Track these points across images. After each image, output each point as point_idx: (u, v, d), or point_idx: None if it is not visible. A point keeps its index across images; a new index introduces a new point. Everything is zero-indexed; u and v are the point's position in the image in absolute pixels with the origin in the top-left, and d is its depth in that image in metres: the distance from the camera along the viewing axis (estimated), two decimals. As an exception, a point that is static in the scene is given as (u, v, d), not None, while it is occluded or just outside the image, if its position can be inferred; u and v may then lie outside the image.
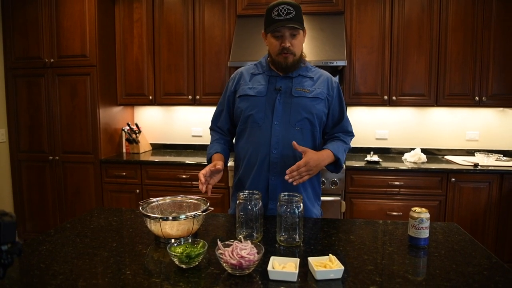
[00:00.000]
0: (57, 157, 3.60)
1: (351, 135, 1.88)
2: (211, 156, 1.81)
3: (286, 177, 1.54)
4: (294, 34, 1.65)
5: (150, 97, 3.73)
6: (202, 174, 1.59)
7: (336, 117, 1.83)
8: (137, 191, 3.47)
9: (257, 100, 1.74)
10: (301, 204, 1.37)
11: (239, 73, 1.86)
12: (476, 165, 3.13)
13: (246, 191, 1.44)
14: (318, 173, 1.81)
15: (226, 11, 3.54)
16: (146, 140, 4.07)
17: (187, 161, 3.38)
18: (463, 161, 3.29)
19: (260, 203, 1.41)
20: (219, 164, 1.63)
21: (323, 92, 1.76)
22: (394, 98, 3.40)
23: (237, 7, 3.50)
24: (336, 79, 1.87)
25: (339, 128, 1.84)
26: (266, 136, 1.71)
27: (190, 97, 3.67)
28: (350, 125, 1.87)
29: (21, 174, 3.71)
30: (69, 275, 1.14)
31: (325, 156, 1.69)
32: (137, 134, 3.88)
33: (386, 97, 3.41)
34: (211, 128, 1.98)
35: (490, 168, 3.08)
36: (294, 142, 1.59)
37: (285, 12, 1.61)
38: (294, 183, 1.55)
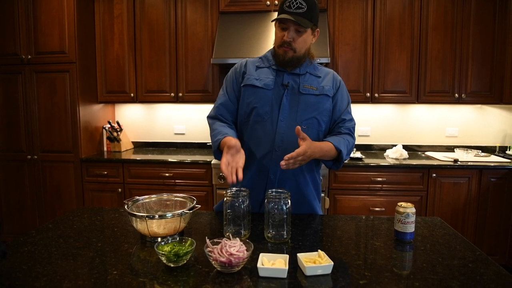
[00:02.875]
0: (35, 156, 3.51)
1: (352, 135, 1.75)
2: (220, 142, 1.60)
3: (283, 163, 1.43)
4: (299, 30, 1.58)
5: (132, 95, 3.68)
6: (223, 164, 1.44)
7: (339, 114, 1.73)
8: (119, 190, 3.41)
9: (263, 93, 1.66)
10: (289, 201, 1.37)
11: (244, 63, 1.76)
12: (456, 160, 3.19)
13: (234, 188, 1.43)
14: (319, 168, 1.81)
15: (209, 8, 3.51)
16: (127, 138, 4.00)
17: (170, 159, 3.35)
18: (443, 157, 3.36)
19: (248, 200, 1.40)
20: (232, 141, 1.48)
21: (330, 89, 1.70)
22: (376, 95, 3.44)
23: (220, 4, 3.47)
24: (340, 77, 1.81)
25: (341, 125, 1.72)
26: (269, 132, 1.64)
27: (172, 94, 3.63)
28: (353, 125, 1.76)
29: (-3, 174, 3.61)
30: (53, 276, 1.11)
31: (325, 148, 1.59)
32: (119, 132, 3.81)
33: (368, 94, 3.44)
34: (211, 117, 1.78)
35: (469, 163, 3.14)
36: (298, 127, 1.47)
37: (295, 6, 1.54)
38: (283, 167, 1.44)
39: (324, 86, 1.70)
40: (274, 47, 1.70)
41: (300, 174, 1.69)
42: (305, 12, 1.55)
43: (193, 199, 1.52)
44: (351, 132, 1.73)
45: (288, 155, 1.43)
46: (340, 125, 1.72)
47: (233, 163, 1.46)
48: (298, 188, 1.70)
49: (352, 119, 1.76)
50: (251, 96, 1.68)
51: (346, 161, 3.21)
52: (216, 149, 1.65)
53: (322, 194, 3.07)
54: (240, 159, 1.48)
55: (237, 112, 1.75)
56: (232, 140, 1.51)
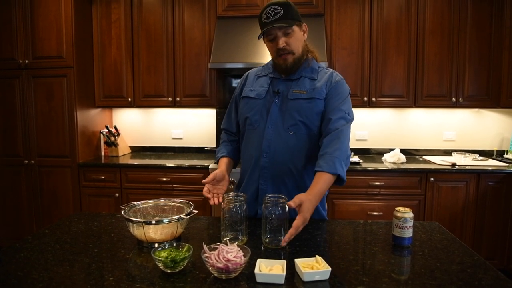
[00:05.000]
0: (32, 161, 3.50)
1: (342, 135, 1.58)
2: (218, 160, 1.81)
3: (284, 244, 1.32)
4: (287, 32, 1.58)
5: (129, 99, 3.67)
6: (204, 192, 1.58)
7: (328, 112, 1.62)
8: (117, 195, 3.40)
9: (255, 103, 1.71)
10: (286, 206, 1.36)
11: (246, 75, 1.85)
12: (453, 164, 3.19)
13: (231, 194, 1.43)
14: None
15: (206, 12, 3.51)
16: (125, 143, 4.00)
17: (167, 164, 3.34)
18: (441, 161, 3.36)
19: (245, 206, 1.40)
20: (212, 175, 1.60)
21: (321, 91, 1.63)
22: (373, 99, 3.44)
23: (217, 8, 3.48)
24: (340, 76, 1.71)
25: (329, 127, 1.59)
26: (259, 139, 1.67)
27: (170, 99, 3.62)
28: (341, 124, 1.59)
29: (-6, 179, 3.60)
30: (49, 283, 1.10)
31: (323, 188, 1.47)
32: (116, 137, 3.80)
33: (366, 98, 3.45)
34: (222, 128, 1.95)
35: (467, 167, 3.15)
36: (289, 203, 1.33)
37: (272, 13, 1.55)
38: (284, 244, 1.33)
39: (315, 89, 1.64)
40: (272, 59, 1.72)
41: (293, 190, 1.63)
42: (283, 14, 1.56)
43: (190, 204, 1.51)
44: (340, 134, 1.57)
45: (287, 236, 1.30)
46: (330, 126, 1.59)
47: (214, 190, 1.60)
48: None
49: (342, 117, 1.60)
50: (245, 106, 1.75)
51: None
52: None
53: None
54: (223, 186, 1.64)
55: (238, 121, 1.85)
56: (217, 171, 1.63)
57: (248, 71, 1.87)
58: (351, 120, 1.65)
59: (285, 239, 1.30)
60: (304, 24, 1.67)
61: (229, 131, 1.89)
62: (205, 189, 1.58)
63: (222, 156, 1.79)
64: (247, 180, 1.73)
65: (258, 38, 1.65)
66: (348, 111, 1.64)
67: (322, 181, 1.48)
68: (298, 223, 1.31)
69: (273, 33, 1.59)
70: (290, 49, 1.60)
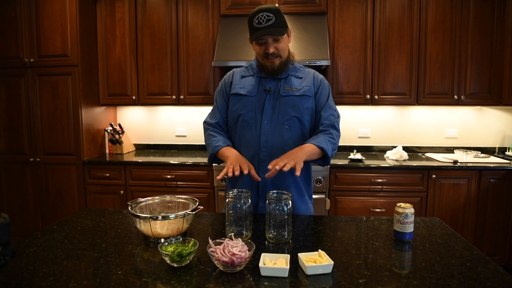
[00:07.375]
0: (38, 159, 3.54)
1: (333, 128, 1.76)
2: (219, 149, 1.75)
3: (270, 166, 1.49)
4: (277, 39, 1.67)
5: (133, 97, 3.70)
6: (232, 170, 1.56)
7: (319, 110, 1.79)
8: (121, 192, 3.44)
9: (247, 100, 1.77)
10: (290, 202, 1.39)
11: (231, 74, 1.89)
12: (455, 162, 3.21)
13: (235, 190, 1.46)
14: (309, 170, 1.86)
15: (210, 11, 3.54)
16: (129, 140, 4.03)
17: (171, 161, 3.37)
18: (443, 158, 3.38)
19: (249, 201, 1.43)
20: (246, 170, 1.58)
21: (311, 89, 1.78)
22: (376, 97, 3.46)
23: (221, 7, 3.50)
24: (321, 75, 1.87)
25: (322, 122, 1.76)
26: (255, 135, 1.74)
27: (174, 97, 3.65)
28: (332, 118, 1.77)
29: (0, 176, 3.63)
30: (59, 276, 1.13)
31: (308, 149, 1.62)
32: (120, 135, 3.84)
33: (368, 96, 3.47)
34: (207, 122, 1.90)
35: (469, 164, 3.16)
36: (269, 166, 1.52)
37: (265, 20, 1.62)
38: (285, 169, 1.47)
39: (304, 86, 1.78)
40: (257, 60, 1.79)
41: (288, 174, 1.72)
42: (276, 21, 1.63)
43: (196, 201, 1.54)
44: (332, 126, 1.76)
45: (271, 164, 1.51)
46: (322, 121, 1.77)
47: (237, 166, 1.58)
48: (290, 188, 1.76)
49: (332, 114, 1.78)
50: (236, 104, 1.79)
51: (347, 162, 3.23)
52: (215, 153, 1.78)
53: (323, 196, 3.10)
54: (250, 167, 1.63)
55: (225, 117, 1.87)
56: (241, 159, 1.67)
57: (233, 70, 1.91)
58: (339, 115, 1.82)
59: (269, 167, 1.49)
60: (289, 29, 1.75)
61: (218, 124, 1.87)
62: (243, 165, 1.57)
63: (227, 146, 1.77)
64: (245, 175, 1.70)
65: (250, 42, 1.72)
66: (334, 108, 1.83)
67: (308, 146, 1.65)
68: (283, 157, 1.53)
69: (265, 38, 1.67)
70: (278, 53, 1.70)
